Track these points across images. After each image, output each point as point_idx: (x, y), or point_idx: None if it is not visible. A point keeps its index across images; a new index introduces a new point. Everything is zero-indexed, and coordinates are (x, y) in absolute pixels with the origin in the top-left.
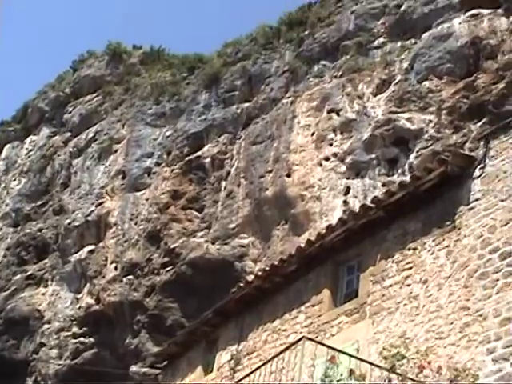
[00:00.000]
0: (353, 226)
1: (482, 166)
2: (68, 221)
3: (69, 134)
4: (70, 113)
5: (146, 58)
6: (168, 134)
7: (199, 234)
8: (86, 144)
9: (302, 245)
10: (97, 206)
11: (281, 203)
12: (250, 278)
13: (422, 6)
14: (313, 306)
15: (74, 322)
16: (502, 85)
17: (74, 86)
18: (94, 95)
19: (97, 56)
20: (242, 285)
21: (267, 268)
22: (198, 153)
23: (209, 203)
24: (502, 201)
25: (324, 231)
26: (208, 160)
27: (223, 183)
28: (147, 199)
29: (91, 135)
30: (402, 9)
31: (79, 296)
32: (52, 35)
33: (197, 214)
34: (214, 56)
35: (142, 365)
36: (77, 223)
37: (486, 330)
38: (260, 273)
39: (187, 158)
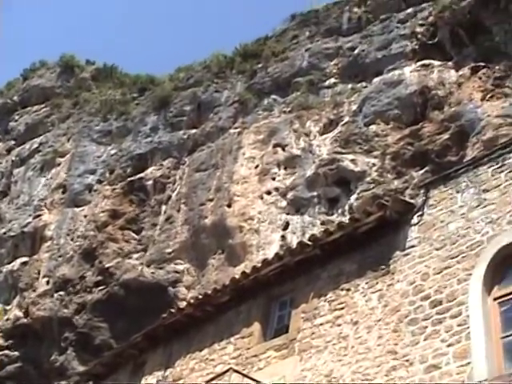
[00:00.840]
0: (288, 262)
1: (420, 213)
2: (3, 230)
3: (13, 142)
4: (16, 121)
5: (98, 74)
6: (113, 152)
7: (135, 255)
8: (29, 154)
9: (237, 276)
10: (34, 218)
11: (219, 232)
12: (182, 304)
13: (375, 51)
14: (242, 338)
15: (1, 334)
16: (446, 136)
17: (23, 94)
18: (42, 106)
19: (49, 67)
20: (173, 311)
21: (200, 296)
22: (141, 174)
23: (147, 226)
24: (437, 249)
25: (259, 265)
26: (150, 182)
27: (163, 207)
28: (86, 216)
29: (35, 146)
30: (356, 52)
31: (8, 308)
32: (5, 42)
33: (134, 235)
34: (166, 79)
35: (65, 383)
36: (12, 233)
37: (411, 375)
38: (192, 300)
39: (130, 179)
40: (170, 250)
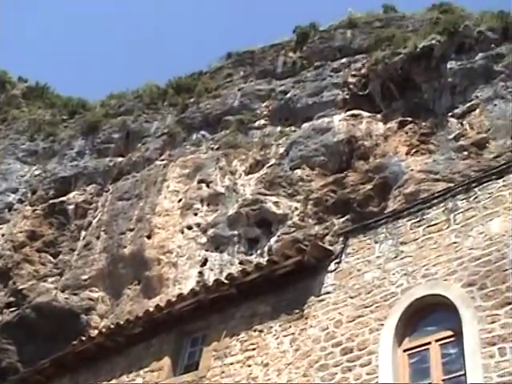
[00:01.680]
0: (203, 299)
1: (337, 260)
2: None
3: None
4: None
5: (30, 92)
6: (37, 173)
7: (50, 279)
8: None
9: (151, 309)
10: None
11: (137, 263)
12: (94, 333)
13: (306, 97)
14: (152, 371)
15: None
16: (369, 186)
17: None
18: None
19: None
20: (83, 339)
21: (112, 326)
22: (64, 198)
23: (65, 250)
24: (352, 298)
25: (174, 299)
26: (72, 207)
27: (83, 233)
28: (3, 235)
29: None
30: (288, 96)
31: None
32: None
33: (51, 258)
34: (98, 105)
35: None
36: None
37: None
38: (104, 330)
39: (51, 201)
40: (86, 277)
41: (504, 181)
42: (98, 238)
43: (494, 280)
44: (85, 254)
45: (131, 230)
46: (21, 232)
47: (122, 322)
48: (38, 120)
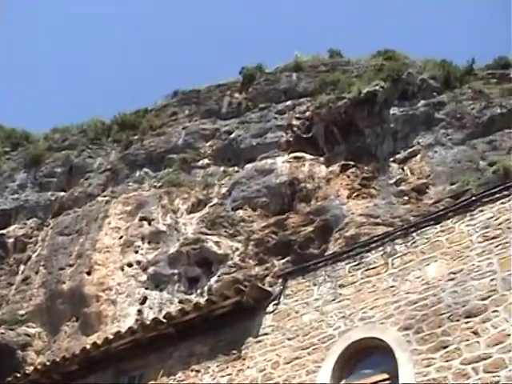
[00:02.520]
0: (141, 338)
1: (276, 302)
2: None
3: None
4: None
5: None
6: None
7: None
8: None
9: (88, 346)
10: None
11: (75, 299)
12: (29, 369)
13: (251, 138)
14: None
15: None
16: (310, 228)
17: None
18: None
19: None
20: (19, 375)
21: (48, 363)
22: (3, 231)
23: (3, 284)
24: (289, 339)
25: (112, 337)
26: (11, 240)
27: (22, 267)
28: None
29: None
30: (232, 136)
31: None
32: None
33: None
34: (41, 138)
35: None
36: None
37: None
38: (40, 366)
39: None
40: (23, 312)
41: (441, 226)
42: (36, 272)
43: (430, 324)
44: (23, 288)
45: (71, 266)
46: None
47: (58, 359)
48: None
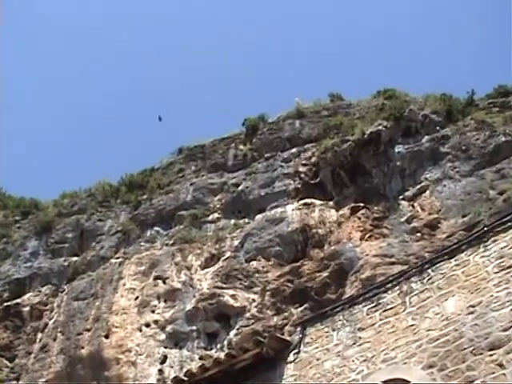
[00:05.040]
0: None
1: (296, 351)
2: None
3: None
4: None
5: None
6: None
7: None
8: None
9: None
10: None
11: (95, 364)
12: None
13: (258, 189)
14: None
15: None
16: (325, 273)
17: None
18: None
19: None
20: None
21: None
22: (18, 300)
23: (21, 353)
24: None
25: None
26: (27, 309)
27: (39, 335)
28: None
29: None
30: (240, 188)
31: None
32: None
33: (7, 363)
34: (50, 204)
35: None
36: None
37: None
38: None
39: (6, 304)
40: (43, 380)
41: (456, 260)
42: (54, 339)
43: (454, 360)
44: (42, 356)
45: (88, 330)
46: None
47: None
48: None
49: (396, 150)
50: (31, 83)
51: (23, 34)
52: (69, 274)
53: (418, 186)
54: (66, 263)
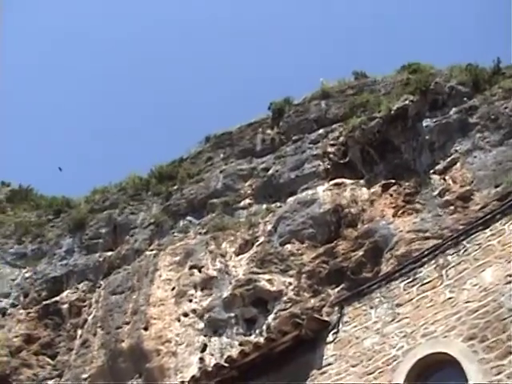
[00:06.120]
0: None
1: (335, 330)
2: None
3: None
4: None
5: (13, 195)
6: (27, 275)
7: (50, 382)
8: None
9: None
10: None
11: (136, 356)
12: None
13: (288, 172)
14: None
15: None
16: (360, 252)
17: None
18: None
19: None
20: None
21: None
22: (56, 298)
23: (63, 350)
24: (353, 366)
25: None
26: (66, 306)
27: (79, 331)
28: None
29: None
30: (270, 172)
31: None
32: None
33: (49, 360)
34: (82, 201)
35: None
36: None
37: None
38: None
39: (44, 302)
40: (86, 376)
41: (491, 230)
42: (94, 334)
43: (494, 330)
44: (83, 352)
45: (127, 324)
46: (16, 336)
47: None
48: (24, 222)
49: (424, 123)
50: (59, 84)
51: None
52: (105, 269)
53: (449, 159)
54: (101, 259)
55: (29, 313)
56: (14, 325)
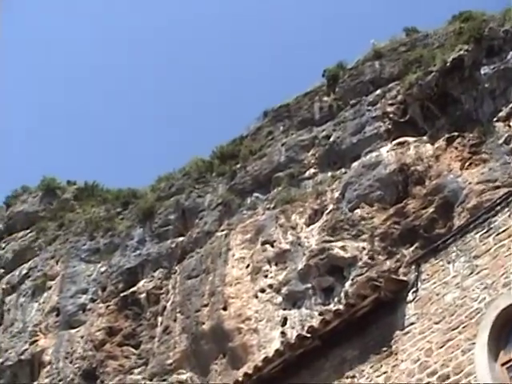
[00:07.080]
0: (289, 357)
1: (414, 289)
2: (0, 360)
3: (2, 270)
4: (4, 249)
5: (80, 193)
6: (103, 269)
7: (136, 370)
8: (19, 281)
9: (240, 378)
10: (30, 345)
11: (218, 337)
12: None
13: (350, 137)
14: None
15: None
16: (431, 209)
17: (8, 221)
18: (28, 231)
19: (30, 191)
20: None
21: None
22: (133, 288)
23: (145, 339)
24: (437, 323)
25: (261, 364)
26: (143, 295)
27: (159, 318)
28: (82, 336)
29: (25, 272)
30: (331, 140)
31: None
32: None
33: (133, 350)
34: (148, 191)
35: None
36: (10, 362)
37: None
38: None
39: (122, 294)
40: (170, 361)
41: None
42: (175, 320)
43: None
44: (165, 338)
45: (206, 306)
46: (99, 330)
47: None
48: (93, 218)
49: (482, 71)
50: (117, 78)
51: None
52: (178, 255)
53: (511, 105)
54: (173, 245)
55: (108, 306)
56: (96, 319)
